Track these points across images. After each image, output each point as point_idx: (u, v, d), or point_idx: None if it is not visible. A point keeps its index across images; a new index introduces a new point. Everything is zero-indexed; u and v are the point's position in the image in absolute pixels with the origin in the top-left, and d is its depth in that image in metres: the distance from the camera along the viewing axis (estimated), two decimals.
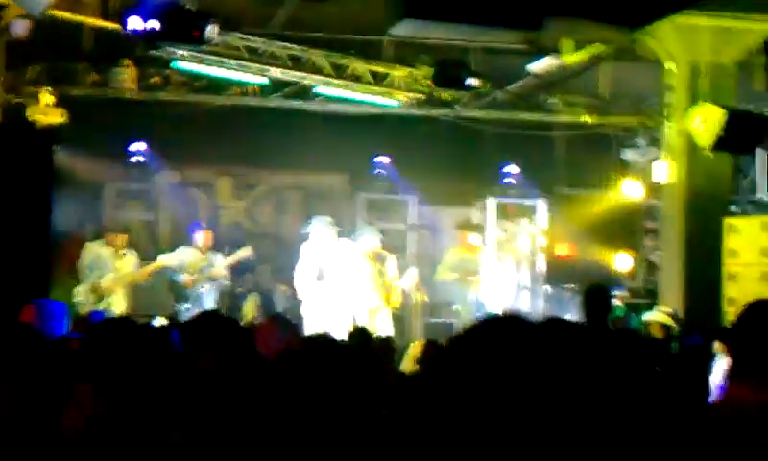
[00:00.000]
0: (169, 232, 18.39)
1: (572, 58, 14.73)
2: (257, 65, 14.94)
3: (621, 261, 18.93)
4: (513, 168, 19.50)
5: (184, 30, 12.56)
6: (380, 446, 1.51)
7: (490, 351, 1.51)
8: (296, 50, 14.89)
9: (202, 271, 15.29)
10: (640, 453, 1.45)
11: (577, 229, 19.07)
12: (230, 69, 14.94)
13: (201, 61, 14.75)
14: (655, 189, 16.71)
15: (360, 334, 9.37)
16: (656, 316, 11.62)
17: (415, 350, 7.94)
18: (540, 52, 15.05)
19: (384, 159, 19.20)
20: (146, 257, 15.79)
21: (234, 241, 17.30)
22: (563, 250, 19.33)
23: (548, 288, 18.61)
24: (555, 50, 14.82)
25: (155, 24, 12.08)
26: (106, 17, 12.79)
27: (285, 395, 3.44)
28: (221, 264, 15.52)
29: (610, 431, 1.45)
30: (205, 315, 5.63)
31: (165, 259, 15.45)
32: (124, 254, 15.06)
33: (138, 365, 4.32)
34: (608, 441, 1.44)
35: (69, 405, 4.04)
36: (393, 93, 15.64)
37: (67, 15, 12.79)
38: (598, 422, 1.45)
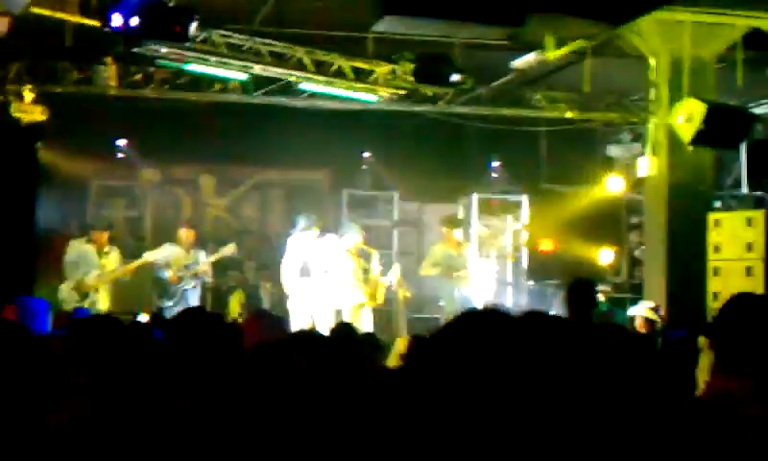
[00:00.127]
0: (153, 229, 18.38)
1: (555, 53, 14.75)
2: (240, 62, 14.91)
3: (605, 256, 18.99)
4: (496, 164, 19.54)
5: (166, 27, 12.53)
6: (364, 440, 1.51)
7: (469, 345, 1.51)
8: (278, 47, 14.85)
9: (186, 268, 15.28)
10: (625, 447, 1.45)
11: (560, 224, 19.12)
12: (214, 66, 14.90)
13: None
14: (638, 184, 16.75)
15: (344, 330, 9.36)
16: (640, 311, 11.64)
17: (401, 346, 7.95)
18: (524, 48, 15.08)
19: (367, 156, 19.21)
20: (130, 254, 15.78)
21: (218, 238, 17.31)
22: (546, 245, 19.38)
23: (532, 283, 18.66)
24: (538, 46, 14.84)
25: (136, 21, 12.05)
26: (87, 15, 12.73)
27: (269, 389, 3.44)
28: (205, 261, 15.51)
29: (593, 424, 1.45)
30: (190, 312, 5.62)
31: (149, 256, 15.43)
32: (108, 252, 15.03)
33: (122, 362, 4.31)
34: (591, 434, 1.45)
35: (53, 403, 4.03)
36: (376, 89, 15.63)
37: (49, 13, 12.74)
38: (581, 414, 1.46)
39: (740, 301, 3.90)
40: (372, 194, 19.38)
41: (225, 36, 14.54)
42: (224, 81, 15.47)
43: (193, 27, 12.53)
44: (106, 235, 15.11)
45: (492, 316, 1.55)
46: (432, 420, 1.46)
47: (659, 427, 1.65)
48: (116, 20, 12.10)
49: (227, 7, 14.37)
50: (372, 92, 15.69)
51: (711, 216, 14.77)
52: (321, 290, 14.83)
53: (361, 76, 15.48)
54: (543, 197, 19.36)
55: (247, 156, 18.56)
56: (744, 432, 2.73)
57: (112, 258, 15.04)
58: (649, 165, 15.24)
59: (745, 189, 17.56)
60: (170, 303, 14.89)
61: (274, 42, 14.86)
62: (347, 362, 3.69)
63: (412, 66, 14.95)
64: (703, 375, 5.37)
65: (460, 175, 19.27)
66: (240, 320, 13.12)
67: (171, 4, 12.45)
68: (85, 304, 14.09)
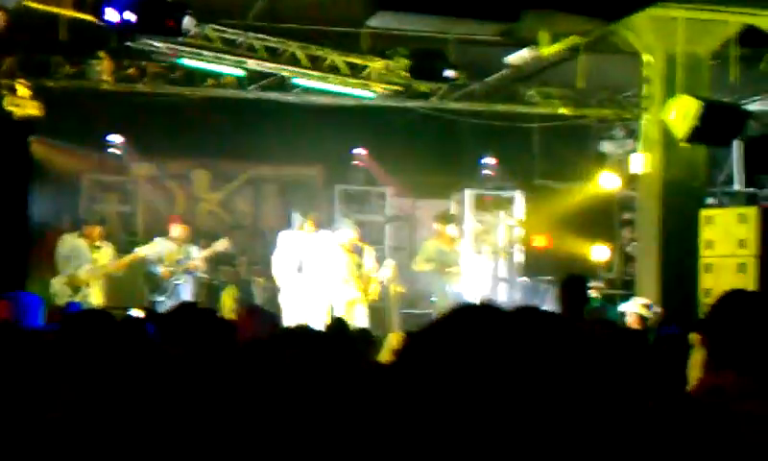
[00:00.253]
0: (146, 224, 18.37)
1: (549, 49, 14.76)
2: (234, 57, 14.90)
3: (598, 253, 19.00)
4: (490, 160, 19.55)
5: (160, 21, 12.52)
6: (356, 435, 1.51)
7: (459, 339, 1.51)
8: (273, 42, 14.85)
9: (179, 263, 15.27)
10: (615, 442, 1.45)
11: (554, 220, 19.13)
12: (208, 61, 14.89)
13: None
14: (631, 181, 16.76)
15: (337, 325, 9.37)
16: (632, 307, 11.66)
17: (393, 341, 7.95)
18: (518, 44, 15.08)
19: (361, 151, 19.21)
20: (122, 249, 15.77)
21: (211, 233, 17.29)
22: (539, 241, 19.39)
23: (525, 279, 18.67)
24: (532, 42, 14.84)
25: (130, 16, 12.04)
26: (81, 9, 12.71)
27: (262, 385, 3.43)
28: (198, 256, 15.51)
29: (584, 418, 1.45)
30: (183, 307, 5.63)
31: (141, 251, 15.42)
32: (100, 246, 15.01)
33: (114, 357, 4.31)
34: (581, 428, 1.45)
35: (46, 397, 4.03)
36: (370, 85, 15.63)
37: (43, 7, 12.72)
38: (572, 409, 1.45)
39: (732, 297, 3.91)
40: (365, 189, 19.38)
41: (218, 30, 14.54)
42: (217, 76, 15.46)
43: (187, 21, 12.52)
44: (98, 230, 15.08)
45: (484, 310, 1.55)
46: (422, 414, 1.45)
47: (649, 423, 1.65)
48: (110, 14, 12.09)
49: (220, 1, 14.37)
50: (366, 88, 15.70)
51: (704, 213, 14.78)
52: (314, 286, 14.83)
53: (355, 71, 15.48)
54: (537, 193, 19.36)
55: (240, 151, 18.55)
56: (734, 428, 2.73)
57: (105, 253, 15.02)
58: (642, 162, 15.25)
59: (738, 186, 17.59)
60: (162, 298, 14.89)
61: (267, 37, 14.85)
62: (339, 358, 3.69)
63: (406, 62, 14.95)
64: (694, 371, 5.38)
65: (453, 170, 19.28)
66: (233, 315, 13.10)
67: None
68: (78, 299, 14.07)
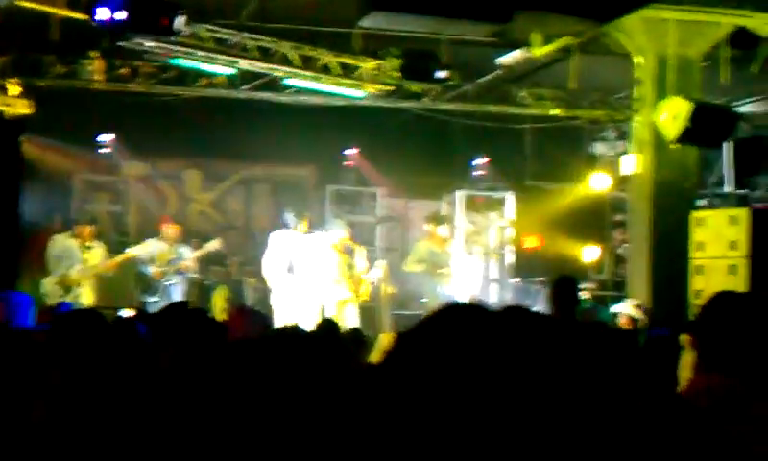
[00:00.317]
0: (137, 224, 18.36)
1: (541, 51, 14.78)
2: (226, 57, 14.89)
3: (589, 254, 19.02)
4: (481, 161, 19.56)
5: (153, 21, 12.51)
6: (346, 435, 1.51)
7: (445, 339, 1.51)
8: (265, 41, 14.84)
9: (170, 263, 15.26)
10: (604, 442, 1.45)
11: (545, 221, 19.15)
12: (202, 61, 14.88)
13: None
14: (623, 182, 16.78)
15: (328, 326, 9.37)
16: (623, 308, 11.68)
17: (384, 342, 7.95)
18: (510, 45, 15.09)
19: (353, 152, 19.21)
20: (114, 249, 15.75)
21: (203, 233, 17.28)
22: (531, 242, 19.41)
23: (516, 280, 18.68)
24: (524, 43, 14.86)
25: (122, 15, 12.03)
26: (73, 8, 12.70)
27: (252, 385, 3.43)
28: (189, 256, 15.50)
29: (572, 418, 1.45)
30: (174, 307, 5.63)
31: (133, 251, 15.41)
32: (91, 246, 14.99)
33: (105, 357, 4.31)
34: (570, 428, 1.45)
35: (36, 397, 4.03)
36: (362, 85, 15.63)
37: (35, 6, 12.71)
38: (560, 409, 1.46)
39: (722, 299, 3.92)
40: (357, 190, 19.37)
41: (211, 30, 14.53)
42: (210, 75, 15.45)
43: (179, 21, 12.51)
44: (89, 230, 15.06)
45: (470, 310, 1.55)
46: (408, 414, 1.46)
47: (638, 423, 1.65)
48: (102, 14, 12.07)
49: (213, 1, 14.37)
50: (359, 88, 15.70)
51: (695, 214, 14.80)
52: (305, 286, 14.82)
53: (348, 72, 15.48)
54: (529, 194, 19.38)
55: (232, 151, 18.54)
56: (723, 430, 2.74)
57: (96, 253, 15.00)
58: (633, 163, 15.27)
59: (728, 188, 17.62)
60: (153, 299, 14.87)
61: (260, 37, 14.85)
62: (329, 359, 3.69)
63: (398, 62, 14.95)
64: (685, 372, 5.39)
65: (445, 171, 19.29)
66: (224, 315, 13.10)
67: None
68: (69, 299, 14.04)
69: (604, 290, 18.26)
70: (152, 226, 16.42)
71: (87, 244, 14.95)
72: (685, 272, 14.47)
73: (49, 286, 14.60)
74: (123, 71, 15.30)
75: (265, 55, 14.98)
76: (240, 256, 18.19)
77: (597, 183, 18.27)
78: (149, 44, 13.91)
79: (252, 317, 7.02)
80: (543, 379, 1.42)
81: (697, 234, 14.61)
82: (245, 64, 15.01)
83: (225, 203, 19.87)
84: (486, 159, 19.56)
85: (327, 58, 15.20)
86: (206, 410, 3.65)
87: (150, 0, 12.42)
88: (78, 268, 14.75)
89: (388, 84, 15.59)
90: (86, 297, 14.66)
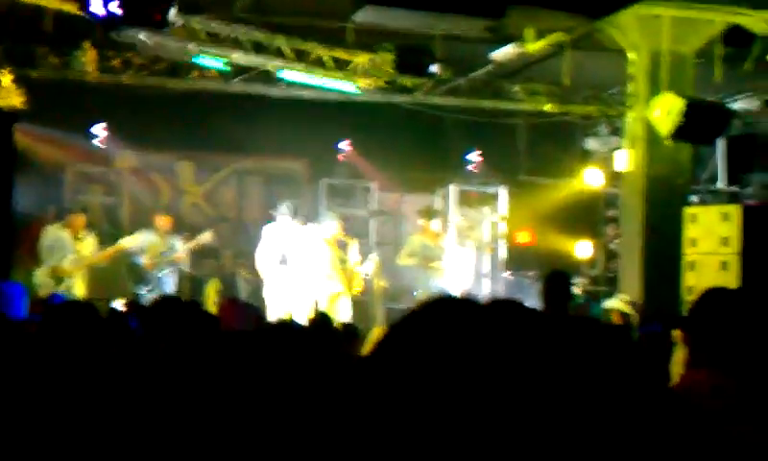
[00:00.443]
0: (129, 216, 18.33)
1: (534, 46, 14.78)
2: (219, 50, 14.86)
3: (582, 249, 19.04)
4: (474, 156, 19.57)
5: (146, 14, 12.48)
6: (338, 428, 1.52)
7: (431, 331, 1.52)
8: (258, 35, 14.81)
9: (162, 255, 15.24)
10: (597, 439, 1.45)
11: (538, 216, 19.17)
12: (195, 54, 14.84)
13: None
14: (616, 178, 16.80)
15: (321, 319, 9.38)
16: (616, 304, 11.69)
17: (377, 335, 7.96)
18: (503, 40, 15.09)
19: (346, 145, 19.20)
20: (106, 241, 15.73)
21: (195, 225, 17.27)
22: (523, 237, 19.43)
23: (509, 275, 18.70)
24: (517, 38, 14.86)
25: (116, 7, 12.00)
26: (67, 0, 12.68)
27: (244, 378, 3.44)
28: (181, 248, 15.49)
29: (562, 413, 1.45)
30: (166, 300, 5.62)
31: (125, 243, 15.40)
32: (82, 237, 14.98)
33: (96, 348, 4.31)
34: (559, 423, 1.45)
35: (27, 387, 4.03)
36: (355, 79, 15.61)
37: None
38: (548, 402, 1.46)
39: (713, 295, 3.93)
40: (350, 183, 19.36)
41: (204, 23, 14.50)
42: (202, 68, 15.42)
43: (172, 14, 12.48)
44: (81, 220, 15.06)
45: (457, 302, 1.55)
46: (394, 404, 1.46)
47: (626, 417, 1.66)
48: (95, 6, 12.04)
49: None
50: (352, 82, 15.68)
51: (687, 211, 14.84)
52: (298, 279, 14.83)
53: (341, 66, 15.46)
54: (522, 189, 19.39)
55: (225, 143, 18.51)
56: (712, 425, 2.75)
57: (88, 244, 15.00)
58: (626, 159, 15.28)
59: (721, 184, 17.65)
60: (145, 290, 14.87)
61: (253, 30, 14.82)
62: (321, 352, 3.70)
63: (391, 56, 14.94)
64: (677, 368, 5.40)
65: (438, 166, 19.28)
66: (216, 308, 13.10)
67: None
68: (61, 290, 14.04)
69: (596, 285, 18.30)
70: (144, 217, 16.41)
71: (79, 235, 14.95)
72: (678, 268, 14.50)
73: (41, 277, 14.59)
74: (115, 63, 15.27)
75: (258, 48, 14.96)
76: (233, 249, 18.18)
77: (590, 179, 18.30)
78: (141, 37, 13.86)
79: (245, 310, 7.02)
80: (528, 370, 1.43)
81: (689, 230, 14.64)
82: (237, 57, 14.99)
83: (217, 195, 19.85)
84: (479, 154, 19.57)
85: (320, 51, 15.17)
86: (199, 401, 3.66)
87: None
88: (70, 259, 14.74)
89: (381, 79, 15.57)
90: (78, 288, 14.66)
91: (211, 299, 15.95)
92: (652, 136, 14.62)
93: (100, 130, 17.95)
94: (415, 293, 16.44)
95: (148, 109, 16.60)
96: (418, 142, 18.54)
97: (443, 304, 1.56)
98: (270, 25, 14.91)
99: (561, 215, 18.74)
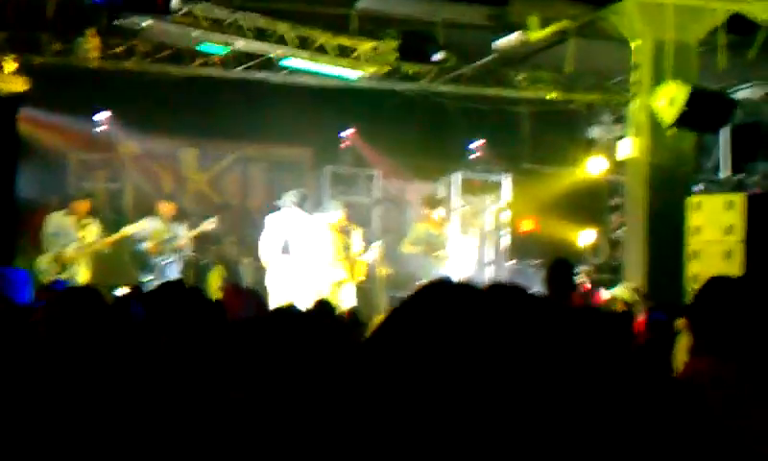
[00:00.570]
0: (133, 203, 18.32)
1: (538, 34, 14.76)
2: (222, 37, 14.85)
3: (585, 237, 19.04)
4: (478, 144, 19.55)
5: (149, 0, 12.48)
6: (340, 415, 1.52)
7: (428, 315, 1.52)
8: (261, 21, 14.80)
9: (166, 242, 15.25)
10: (599, 428, 1.45)
11: (542, 204, 19.15)
12: (198, 41, 14.83)
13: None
14: (619, 166, 16.78)
15: (324, 306, 9.38)
16: (619, 292, 11.68)
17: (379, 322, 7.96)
18: (507, 28, 15.07)
19: (350, 133, 19.19)
20: (110, 227, 15.74)
21: (199, 212, 17.27)
22: (527, 225, 19.42)
23: (512, 263, 18.70)
24: (521, 26, 14.84)
25: None
26: None
27: (249, 364, 3.44)
28: (185, 235, 15.49)
29: (562, 401, 1.46)
30: (169, 285, 5.62)
31: (128, 230, 15.41)
32: (86, 224, 14.99)
33: (100, 334, 4.31)
34: (559, 411, 1.45)
35: (32, 373, 4.04)
36: (359, 66, 15.60)
37: None
38: (547, 390, 1.46)
39: (717, 283, 3.93)
40: (354, 171, 19.35)
41: (207, 9, 14.49)
42: (206, 54, 15.42)
43: (175, 0, 12.48)
44: (85, 206, 15.08)
45: (456, 287, 1.55)
46: (392, 391, 1.46)
47: (631, 405, 1.66)
48: None
49: None
50: (355, 69, 15.67)
51: (691, 199, 14.83)
52: (301, 266, 14.83)
53: (344, 53, 15.45)
54: (525, 177, 19.37)
55: (229, 130, 18.49)
56: (713, 413, 2.75)
57: (91, 230, 15.01)
58: (630, 147, 15.25)
59: (725, 173, 17.64)
60: (149, 277, 14.88)
61: (257, 17, 14.81)
62: (326, 338, 3.70)
63: (395, 44, 14.93)
64: (681, 356, 5.41)
65: (442, 154, 19.26)
66: (220, 295, 13.10)
67: None
68: (64, 277, 14.06)
69: (600, 273, 18.28)
70: (148, 204, 16.40)
71: (83, 222, 14.96)
72: (681, 256, 14.49)
73: (45, 264, 14.61)
74: (119, 50, 15.28)
75: (261, 35, 14.95)
76: (236, 236, 18.17)
77: (594, 167, 18.29)
78: (144, 23, 13.84)
79: (248, 297, 7.03)
80: (528, 354, 1.43)
81: (693, 219, 14.63)
82: (241, 44, 14.98)
83: (221, 182, 19.83)
84: (483, 142, 19.54)
85: (324, 38, 15.17)
86: (202, 386, 3.66)
87: None
88: (73, 246, 14.76)
89: (385, 66, 15.57)
90: (82, 275, 14.67)
91: (215, 286, 15.97)
92: (656, 125, 14.59)
93: (103, 116, 17.93)
94: (418, 281, 16.44)
95: (151, 95, 16.58)
96: (422, 130, 18.53)
97: (441, 288, 1.56)
98: (273, 12, 14.90)
99: (564, 203, 18.72)
